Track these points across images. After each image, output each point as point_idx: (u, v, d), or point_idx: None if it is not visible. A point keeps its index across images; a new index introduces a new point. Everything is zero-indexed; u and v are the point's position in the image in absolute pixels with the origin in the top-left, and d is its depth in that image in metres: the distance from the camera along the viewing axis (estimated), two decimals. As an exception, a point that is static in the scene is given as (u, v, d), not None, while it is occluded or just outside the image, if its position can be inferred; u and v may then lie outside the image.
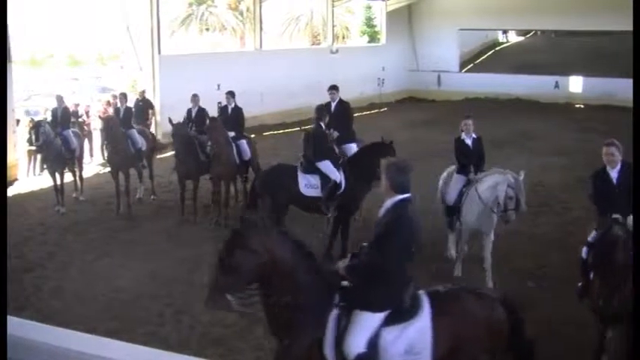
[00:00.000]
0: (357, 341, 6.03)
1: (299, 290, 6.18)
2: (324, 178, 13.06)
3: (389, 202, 6.21)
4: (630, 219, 8.69)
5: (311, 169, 13.15)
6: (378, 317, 6.10)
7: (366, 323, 6.08)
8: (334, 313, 6.18)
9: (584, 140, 24.88)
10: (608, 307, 8.49)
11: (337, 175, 13.03)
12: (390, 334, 6.09)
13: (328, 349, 6.12)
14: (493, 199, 11.36)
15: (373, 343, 6.07)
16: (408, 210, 6.17)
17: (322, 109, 13.56)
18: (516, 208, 11.18)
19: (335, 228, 13.27)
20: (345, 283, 6.34)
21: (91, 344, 3.66)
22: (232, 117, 16.46)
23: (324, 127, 13.30)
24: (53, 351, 3.51)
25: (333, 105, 14.87)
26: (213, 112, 16.81)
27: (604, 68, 35.46)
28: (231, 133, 15.98)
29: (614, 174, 9.19)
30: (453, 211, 12.44)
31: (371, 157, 13.02)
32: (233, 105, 16.68)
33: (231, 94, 16.80)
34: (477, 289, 6.97)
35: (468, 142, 12.45)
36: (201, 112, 16.73)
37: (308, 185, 13.11)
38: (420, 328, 6.15)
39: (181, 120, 16.35)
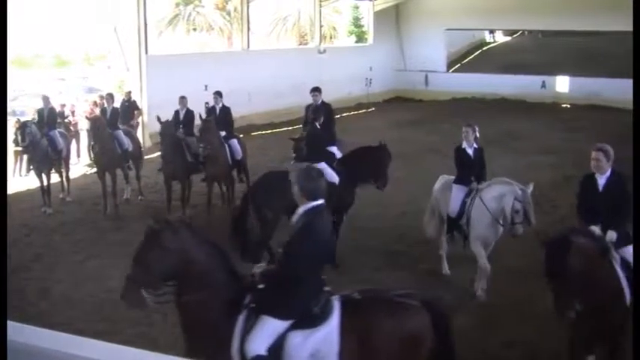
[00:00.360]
0: (257, 344, 5.99)
1: (211, 289, 6.21)
2: None
3: (301, 209, 6.14)
4: (612, 234, 8.19)
5: None
6: (281, 323, 6.06)
7: (269, 328, 6.04)
8: (244, 314, 6.16)
9: (571, 140, 25.01)
10: (576, 328, 7.93)
11: (336, 178, 12.82)
12: (295, 339, 6.03)
13: (234, 350, 6.11)
14: (499, 210, 10.98)
15: (277, 347, 6.02)
16: (318, 217, 6.10)
17: (318, 110, 13.36)
18: (525, 222, 10.78)
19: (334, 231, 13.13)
20: (261, 285, 6.32)
21: (92, 348, 3.65)
22: (221, 117, 16.48)
23: (319, 127, 13.10)
24: (53, 356, 3.49)
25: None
26: (201, 112, 16.79)
27: (591, 68, 35.67)
28: (222, 133, 16.02)
29: (600, 181, 8.64)
30: (456, 222, 11.84)
31: (365, 160, 13.06)
32: (221, 105, 16.70)
33: (218, 94, 16.81)
34: (399, 295, 6.55)
35: (469, 151, 11.87)
36: (190, 113, 16.71)
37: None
38: (326, 335, 6.06)
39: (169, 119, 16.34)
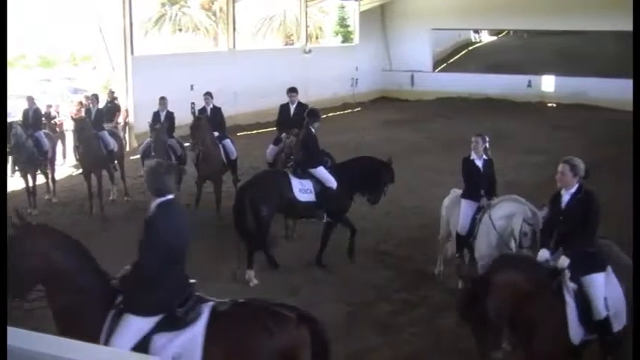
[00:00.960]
0: (121, 342, 5.93)
1: (78, 292, 6.15)
2: (318, 182, 12.59)
3: (152, 205, 6.14)
4: (563, 261, 7.45)
5: (303, 173, 12.65)
6: (144, 321, 6.03)
7: (133, 326, 6.01)
8: (112, 313, 6.12)
9: (557, 139, 25.13)
10: None
11: (334, 183, 12.61)
12: (160, 340, 6.00)
13: None
14: (509, 231, 10.11)
15: (142, 347, 5.95)
16: (164, 214, 6.06)
17: (315, 112, 13.05)
18: (533, 246, 9.61)
19: (327, 233, 13.04)
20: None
21: (94, 353, 3.63)
22: (213, 117, 16.46)
23: (314, 131, 12.79)
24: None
25: (293, 107, 14.90)
26: (187, 112, 16.76)
27: (576, 68, 35.89)
28: (215, 134, 15.99)
29: (564, 197, 7.89)
30: (466, 240, 10.91)
31: (365, 171, 12.87)
32: (212, 106, 16.68)
33: (209, 95, 16.80)
34: (275, 305, 6.39)
35: (479, 163, 10.96)
36: (170, 115, 16.69)
37: (302, 190, 12.55)
38: (191, 339, 6.00)
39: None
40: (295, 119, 14.40)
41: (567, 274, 7.37)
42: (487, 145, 11.03)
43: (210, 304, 6.23)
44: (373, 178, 12.95)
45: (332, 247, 13.26)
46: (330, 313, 10.69)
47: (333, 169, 12.95)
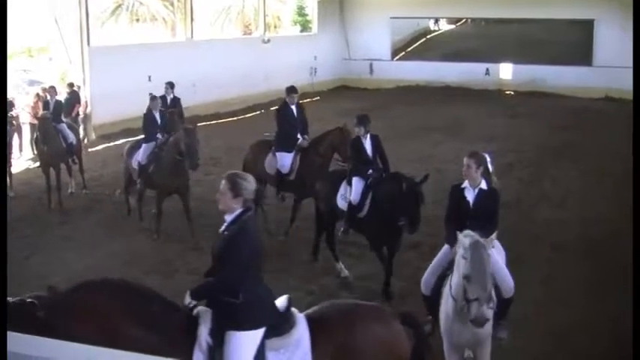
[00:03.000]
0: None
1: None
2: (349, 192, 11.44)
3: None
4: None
5: (349, 179, 11.54)
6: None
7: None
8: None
9: (515, 126, 25.46)
10: None
11: (358, 198, 11.24)
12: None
13: None
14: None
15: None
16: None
17: (365, 117, 11.71)
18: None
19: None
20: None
21: (94, 355, 3.63)
22: (172, 107, 16.40)
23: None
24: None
25: (295, 109, 14.83)
26: (144, 104, 16.62)
27: (533, 55, 36.28)
28: None
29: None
30: (430, 304, 8.22)
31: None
32: (172, 96, 16.62)
33: (170, 85, 16.77)
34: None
35: (469, 195, 8.02)
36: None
37: (342, 197, 11.62)
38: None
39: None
40: (301, 121, 14.04)
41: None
42: (490, 166, 8.75)
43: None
44: None
45: (293, 236, 13.34)
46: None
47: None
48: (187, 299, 5.92)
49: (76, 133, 17.81)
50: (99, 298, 5.83)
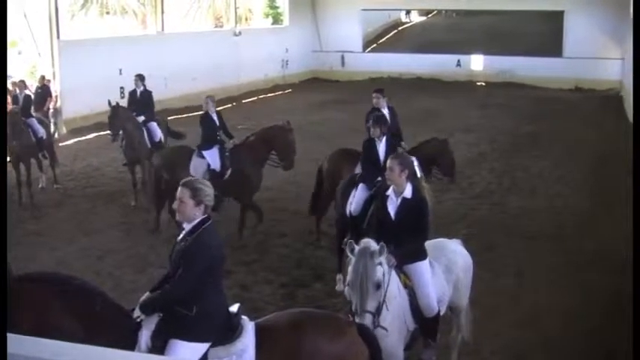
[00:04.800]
0: None
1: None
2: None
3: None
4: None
5: (357, 185, 10.77)
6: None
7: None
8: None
9: (486, 117, 25.64)
10: None
11: (359, 210, 10.53)
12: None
13: None
14: None
15: None
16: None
17: (382, 117, 11.31)
18: None
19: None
20: None
21: (95, 356, 3.61)
22: (142, 100, 16.35)
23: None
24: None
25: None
26: (115, 97, 16.59)
27: (503, 47, 36.58)
28: (141, 118, 15.91)
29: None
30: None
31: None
32: (142, 88, 16.54)
33: (140, 78, 16.66)
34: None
35: (391, 208, 7.42)
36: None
37: (349, 204, 10.76)
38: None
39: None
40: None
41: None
42: (418, 170, 9.33)
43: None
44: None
45: (265, 227, 13.35)
46: (264, 294, 10.76)
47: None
48: (137, 312, 5.77)
49: (47, 128, 17.64)
50: (37, 290, 5.75)
